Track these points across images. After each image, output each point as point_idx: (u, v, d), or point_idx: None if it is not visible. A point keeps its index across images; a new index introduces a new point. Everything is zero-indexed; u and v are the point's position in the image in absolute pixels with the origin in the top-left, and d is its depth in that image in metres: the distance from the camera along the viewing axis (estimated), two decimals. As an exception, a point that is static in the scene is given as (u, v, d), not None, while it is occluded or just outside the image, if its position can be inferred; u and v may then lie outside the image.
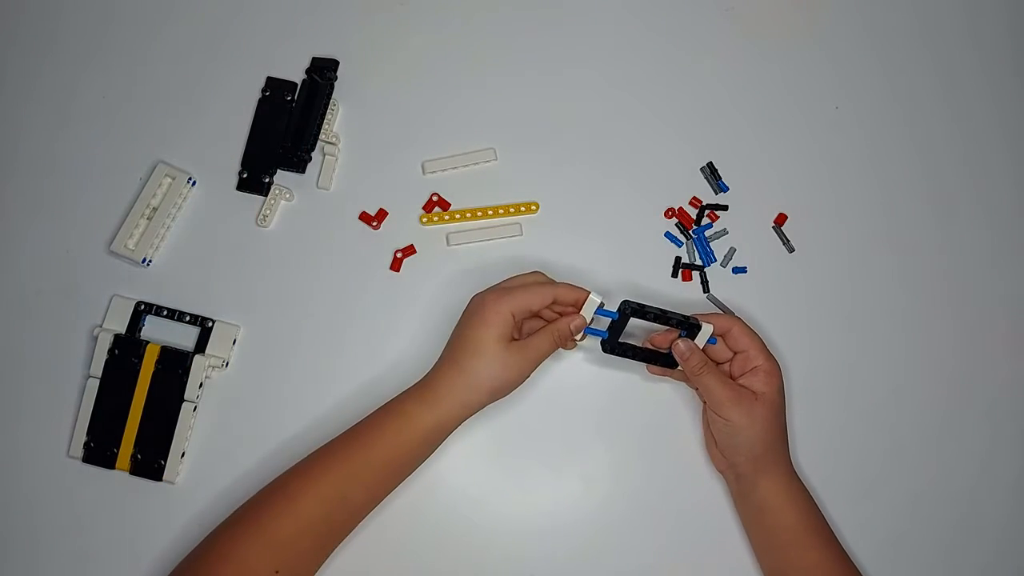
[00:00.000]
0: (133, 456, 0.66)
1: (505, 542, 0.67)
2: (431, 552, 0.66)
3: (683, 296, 0.71)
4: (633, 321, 0.63)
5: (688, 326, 0.63)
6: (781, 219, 0.73)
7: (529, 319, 0.64)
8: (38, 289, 0.70)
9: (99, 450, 0.66)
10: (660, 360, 0.64)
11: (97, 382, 0.66)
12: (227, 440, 0.68)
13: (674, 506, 0.68)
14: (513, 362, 0.61)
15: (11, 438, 0.67)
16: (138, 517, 0.66)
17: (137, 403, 0.66)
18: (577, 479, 0.68)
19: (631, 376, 0.69)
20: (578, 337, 0.65)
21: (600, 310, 0.63)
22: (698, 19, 0.76)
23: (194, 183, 0.72)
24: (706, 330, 0.62)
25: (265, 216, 0.71)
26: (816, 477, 0.67)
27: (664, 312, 0.63)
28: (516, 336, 0.63)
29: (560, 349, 0.64)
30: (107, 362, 0.67)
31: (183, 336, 0.69)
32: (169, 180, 0.70)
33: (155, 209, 0.70)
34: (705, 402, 0.64)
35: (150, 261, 0.70)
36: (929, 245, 0.73)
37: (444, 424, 0.61)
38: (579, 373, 0.69)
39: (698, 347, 0.62)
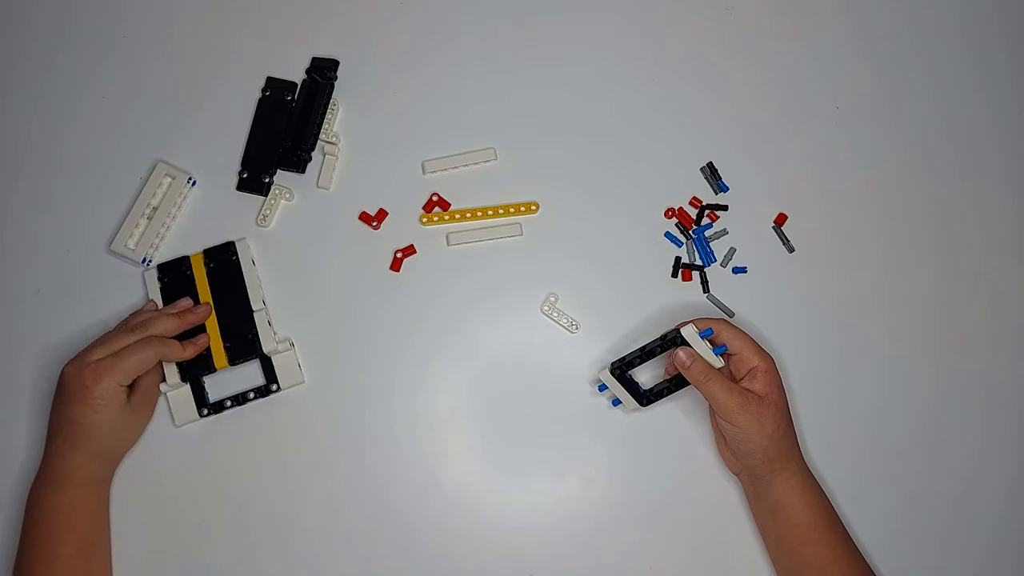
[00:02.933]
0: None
1: (505, 541, 0.67)
2: (431, 552, 0.66)
3: (683, 296, 0.71)
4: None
5: (672, 342, 0.63)
6: (781, 219, 0.73)
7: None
8: (38, 289, 0.70)
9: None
10: (684, 382, 0.65)
11: None
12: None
13: (674, 506, 0.68)
14: (133, 423, 0.65)
15: (7, 438, 0.67)
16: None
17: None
18: (577, 479, 0.68)
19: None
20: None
21: (601, 386, 0.66)
22: (698, 19, 0.76)
23: (194, 183, 0.72)
24: (688, 331, 0.62)
25: (265, 216, 0.71)
26: (816, 475, 0.67)
27: (643, 348, 0.64)
28: (130, 394, 0.63)
29: None
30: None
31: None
32: (169, 180, 0.70)
33: (155, 209, 0.70)
34: (712, 409, 0.64)
35: (150, 261, 0.70)
36: (929, 244, 0.73)
37: (94, 492, 0.63)
38: (580, 372, 0.69)
39: (699, 355, 0.62)
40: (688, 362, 0.62)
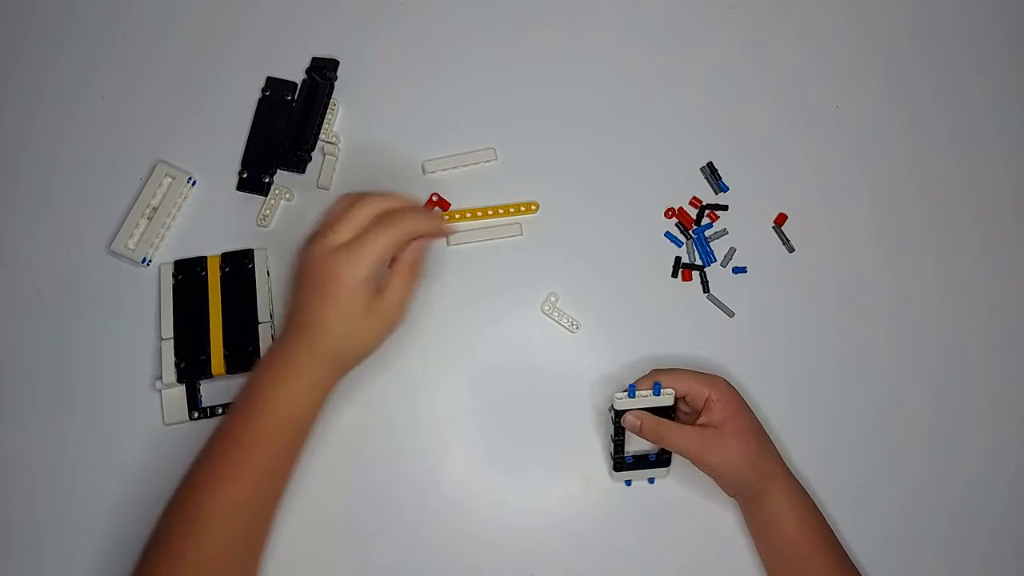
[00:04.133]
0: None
1: (505, 541, 0.67)
2: (431, 550, 0.66)
3: (683, 296, 0.71)
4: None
5: (619, 413, 0.63)
6: (781, 219, 0.73)
7: None
8: (38, 289, 0.70)
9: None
10: (661, 455, 0.65)
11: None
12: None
13: (674, 506, 0.67)
14: (380, 324, 0.58)
15: (6, 438, 0.67)
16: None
17: (215, 310, 0.67)
18: (577, 479, 0.68)
19: (633, 377, 0.68)
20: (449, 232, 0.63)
21: (627, 481, 0.66)
22: (698, 19, 0.76)
23: (194, 183, 0.72)
24: (618, 404, 0.62)
25: (265, 216, 0.71)
26: (814, 477, 0.67)
27: (613, 439, 0.64)
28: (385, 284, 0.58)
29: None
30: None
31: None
32: (169, 180, 0.70)
33: (155, 209, 0.70)
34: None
35: (150, 261, 0.70)
36: (929, 244, 0.73)
37: (323, 396, 0.58)
38: (580, 372, 0.69)
39: (645, 414, 0.62)
40: (637, 424, 0.62)
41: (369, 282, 0.56)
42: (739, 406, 0.62)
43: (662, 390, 0.62)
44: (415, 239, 0.59)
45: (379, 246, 0.55)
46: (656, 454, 0.66)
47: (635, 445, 0.65)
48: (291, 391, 0.57)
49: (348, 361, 0.59)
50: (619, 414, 0.63)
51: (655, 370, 0.63)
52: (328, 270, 0.55)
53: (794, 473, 0.64)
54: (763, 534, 0.63)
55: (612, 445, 0.65)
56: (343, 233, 0.56)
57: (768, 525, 0.62)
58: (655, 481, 0.67)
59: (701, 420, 0.62)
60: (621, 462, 0.65)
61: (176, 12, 0.75)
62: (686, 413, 0.65)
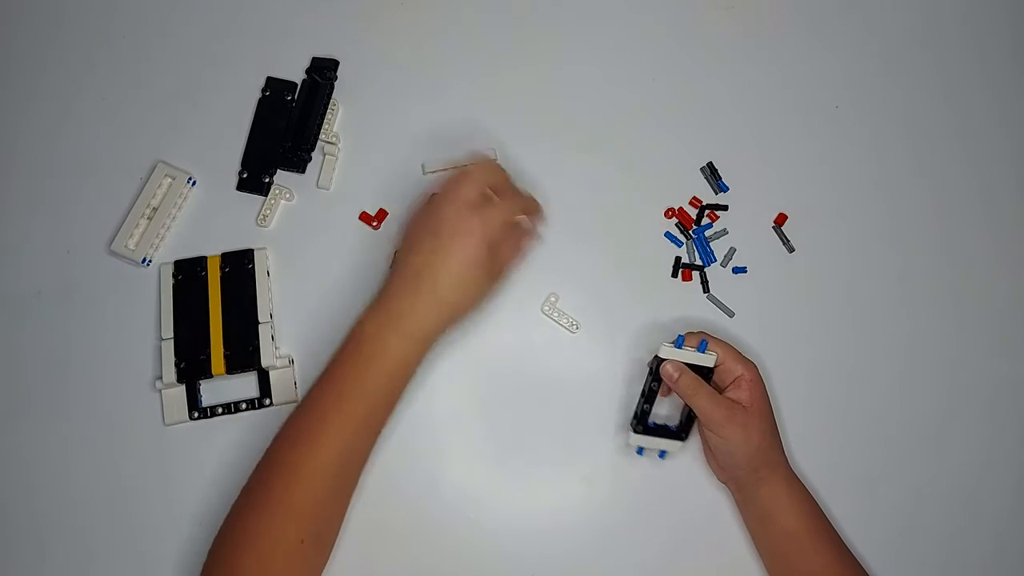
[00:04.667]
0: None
1: (506, 542, 0.67)
2: (432, 552, 0.66)
3: (683, 296, 0.71)
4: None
5: (661, 361, 0.63)
6: (781, 219, 0.73)
7: None
8: (38, 289, 0.70)
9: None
10: (683, 426, 0.65)
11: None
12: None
13: (675, 506, 0.67)
14: (492, 281, 0.61)
15: (7, 438, 0.67)
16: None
17: (215, 310, 0.67)
18: (578, 479, 0.68)
19: (634, 377, 0.69)
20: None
21: (639, 449, 0.66)
22: (698, 18, 0.76)
23: (194, 183, 0.72)
24: (665, 351, 0.62)
25: (265, 216, 0.71)
26: (817, 476, 0.67)
27: (643, 393, 0.65)
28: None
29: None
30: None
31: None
32: (169, 180, 0.71)
33: (155, 209, 0.70)
34: (700, 420, 0.63)
35: (150, 261, 0.70)
36: (929, 244, 0.73)
37: (424, 350, 0.60)
38: (580, 372, 0.69)
39: (685, 368, 0.62)
40: (676, 375, 0.62)
41: (496, 241, 0.59)
42: (764, 393, 0.63)
43: (707, 349, 0.62)
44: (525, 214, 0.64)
45: (511, 209, 0.61)
46: (677, 425, 0.65)
47: (662, 410, 0.66)
48: (402, 343, 0.59)
49: (461, 312, 0.60)
50: (660, 362, 0.62)
51: (702, 332, 0.64)
52: (463, 224, 0.58)
53: (794, 470, 0.64)
54: (761, 525, 0.64)
55: (641, 400, 0.65)
56: (473, 192, 0.59)
57: (767, 516, 0.63)
58: (665, 456, 0.67)
59: (728, 395, 0.62)
60: (645, 424, 0.65)
61: (176, 12, 0.75)
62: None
